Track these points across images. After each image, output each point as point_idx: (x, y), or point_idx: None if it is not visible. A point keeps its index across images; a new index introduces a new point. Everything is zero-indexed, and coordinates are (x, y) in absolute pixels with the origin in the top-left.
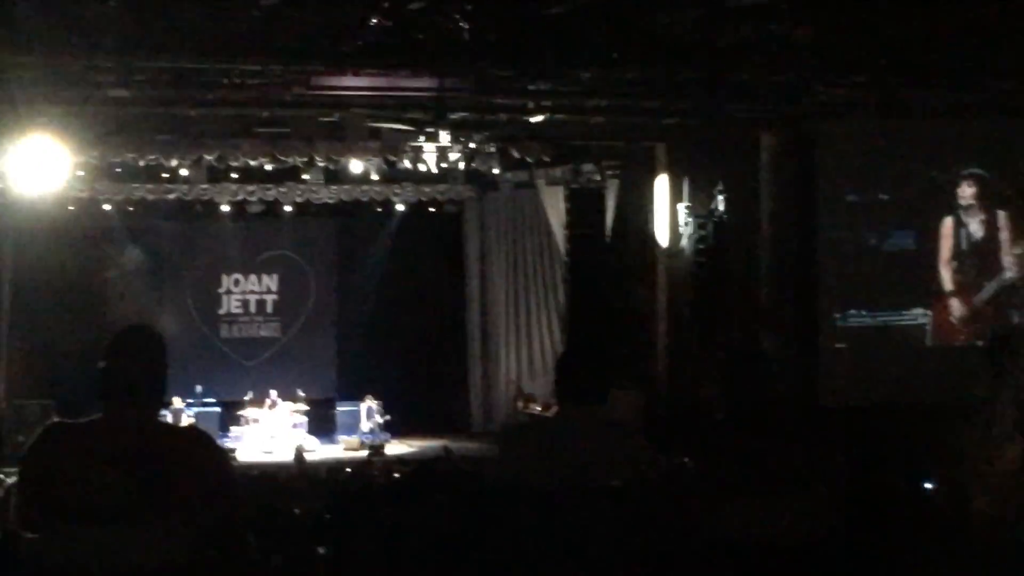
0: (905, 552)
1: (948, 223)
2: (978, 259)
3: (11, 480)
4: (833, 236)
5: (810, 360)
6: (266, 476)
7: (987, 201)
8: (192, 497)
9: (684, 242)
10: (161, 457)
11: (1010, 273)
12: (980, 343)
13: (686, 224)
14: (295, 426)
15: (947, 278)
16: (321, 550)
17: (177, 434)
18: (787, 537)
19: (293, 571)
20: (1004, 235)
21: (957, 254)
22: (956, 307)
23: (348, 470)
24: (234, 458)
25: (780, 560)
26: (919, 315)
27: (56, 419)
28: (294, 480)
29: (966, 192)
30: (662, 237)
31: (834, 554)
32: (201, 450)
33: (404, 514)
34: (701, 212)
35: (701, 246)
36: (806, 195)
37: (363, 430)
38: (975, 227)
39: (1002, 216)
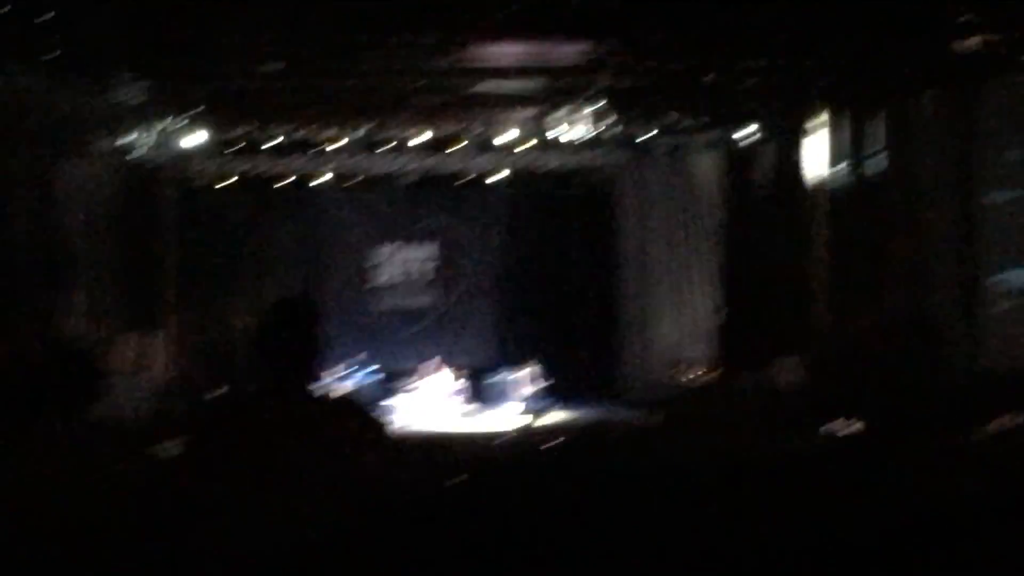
0: None
1: None
2: None
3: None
4: (995, 194)
5: (972, 321)
6: (427, 445)
7: None
8: (347, 465)
9: (843, 201)
10: (312, 428)
11: None
12: None
13: (845, 184)
14: (456, 393)
15: None
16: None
17: (330, 404)
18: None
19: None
20: None
21: None
22: None
23: (509, 438)
24: (394, 427)
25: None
26: None
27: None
28: (456, 449)
29: None
30: (820, 197)
31: (992, 518)
32: (352, 418)
33: (563, 488)
34: (860, 171)
35: (861, 205)
36: (966, 152)
37: (523, 397)
38: None
39: None
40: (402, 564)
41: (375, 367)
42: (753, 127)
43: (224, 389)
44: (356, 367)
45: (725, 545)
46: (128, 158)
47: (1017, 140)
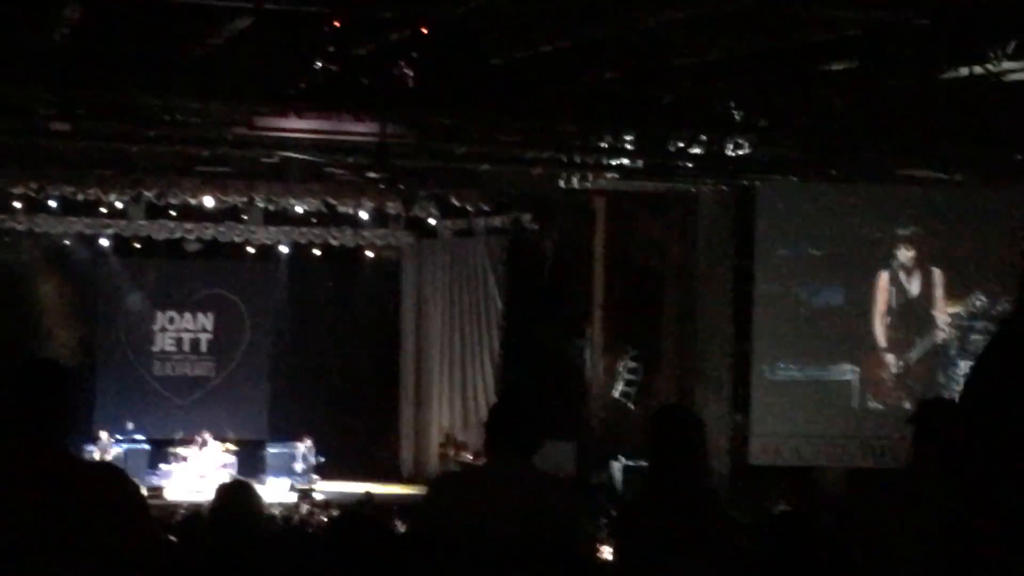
0: None
1: (884, 277)
2: (911, 316)
3: None
4: (766, 289)
5: (742, 413)
6: (194, 516)
7: (924, 260)
8: (103, 532)
9: (617, 292)
10: (68, 490)
11: (942, 335)
12: (908, 406)
13: (623, 277)
14: (224, 466)
15: (880, 334)
16: None
17: (86, 468)
18: None
19: None
20: (938, 292)
21: (890, 310)
22: (888, 364)
23: (276, 513)
24: (161, 496)
25: None
26: (847, 371)
27: None
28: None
29: (905, 254)
30: (598, 287)
31: None
32: (111, 485)
33: (324, 566)
34: (639, 266)
35: (638, 298)
36: (743, 249)
37: (296, 471)
38: (910, 284)
39: (937, 274)
40: None
41: (141, 436)
42: (537, 215)
43: None
44: (120, 436)
45: None
46: None
47: (787, 238)
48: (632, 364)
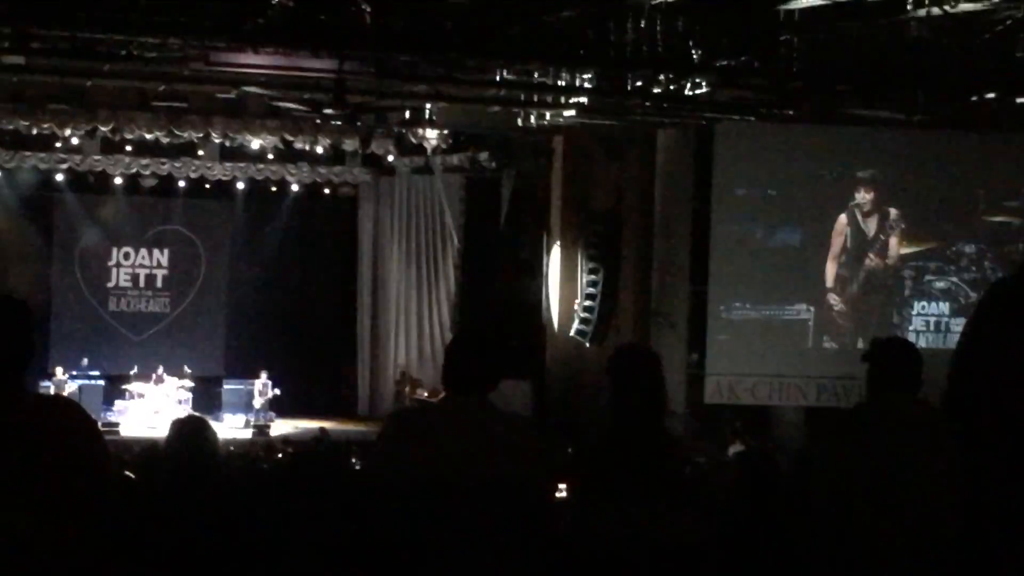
0: (789, 555)
1: (842, 220)
2: (862, 255)
3: None
4: (723, 229)
5: (698, 352)
6: (150, 452)
7: (882, 201)
8: (60, 466)
9: (572, 233)
10: (24, 426)
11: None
12: (862, 345)
13: (581, 217)
14: (180, 402)
15: (831, 274)
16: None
17: (41, 403)
18: (672, 541)
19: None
20: (894, 232)
21: (845, 250)
22: (835, 302)
23: (231, 449)
24: (116, 432)
25: (665, 564)
26: (802, 310)
27: None
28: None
29: (864, 196)
30: (556, 227)
31: (720, 558)
32: (69, 419)
33: (279, 502)
34: (597, 206)
35: (595, 238)
36: (701, 189)
37: (253, 407)
38: (867, 225)
39: (893, 214)
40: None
41: (96, 372)
42: (495, 154)
43: None
44: (75, 372)
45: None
46: None
47: (744, 178)
48: (588, 303)
